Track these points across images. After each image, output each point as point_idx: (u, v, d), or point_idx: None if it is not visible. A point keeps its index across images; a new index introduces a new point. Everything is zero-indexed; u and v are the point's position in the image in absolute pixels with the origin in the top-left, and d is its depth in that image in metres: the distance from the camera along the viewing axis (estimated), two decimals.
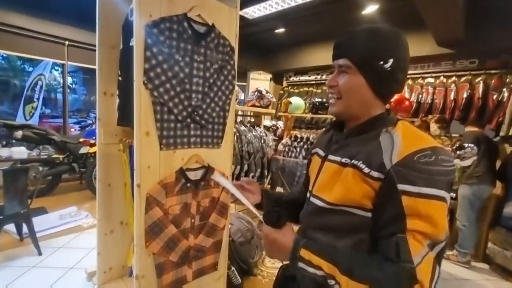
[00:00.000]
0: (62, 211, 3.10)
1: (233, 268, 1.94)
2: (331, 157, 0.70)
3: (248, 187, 0.89)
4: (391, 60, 0.62)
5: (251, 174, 3.19)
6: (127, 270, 1.89)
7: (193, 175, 1.46)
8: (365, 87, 0.64)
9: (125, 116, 1.56)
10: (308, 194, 0.76)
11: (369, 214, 0.60)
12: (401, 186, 0.55)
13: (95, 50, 1.65)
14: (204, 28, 1.40)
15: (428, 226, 0.53)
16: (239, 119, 3.33)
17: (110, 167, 1.75)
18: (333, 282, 0.56)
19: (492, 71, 3.58)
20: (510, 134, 2.61)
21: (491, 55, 3.56)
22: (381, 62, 0.62)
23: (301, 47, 5.76)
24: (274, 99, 3.42)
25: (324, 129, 0.90)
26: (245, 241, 2.21)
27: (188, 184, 1.43)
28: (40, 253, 2.28)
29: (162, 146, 1.30)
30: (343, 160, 0.65)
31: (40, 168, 3.25)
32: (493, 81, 3.53)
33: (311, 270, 0.58)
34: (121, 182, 1.78)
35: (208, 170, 1.51)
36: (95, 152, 3.74)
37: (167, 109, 1.29)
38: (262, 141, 3.31)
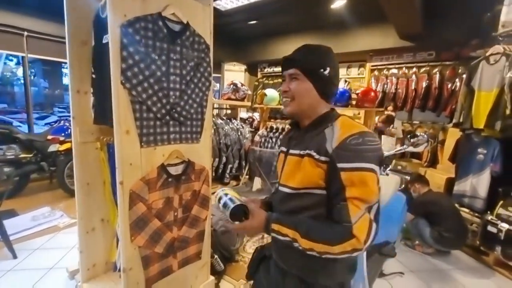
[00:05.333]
0: (34, 212, 2.99)
1: (216, 256, 2.04)
2: (291, 151, 0.86)
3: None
4: (328, 68, 0.81)
5: (230, 166, 3.27)
6: (111, 265, 1.91)
7: (174, 170, 1.51)
8: (312, 90, 0.82)
9: (101, 115, 1.56)
10: (277, 185, 0.91)
11: (324, 192, 0.77)
12: (339, 165, 0.71)
13: (57, 42, 1.60)
14: (179, 26, 1.43)
15: (362, 192, 0.69)
16: (215, 112, 3.37)
17: (88, 165, 1.74)
18: (297, 244, 0.74)
19: (447, 63, 3.93)
20: (461, 120, 2.92)
21: (446, 48, 3.90)
22: (322, 70, 0.81)
23: (274, 39, 5.83)
24: (249, 92, 3.49)
25: (286, 130, 1.05)
26: (227, 230, 2.31)
27: (170, 179, 1.48)
28: (15, 256, 2.21)
29: (142, 143, 1.33)
30: (301, 152, 0.81)
31: (5, 169, 3.08)
32: (447, 72, 3.88)
33: (280, 237, 0.77)
34: (99, 180, 1.78)
35: (189, 164, 1.57)
36: (65, 150, 3.61)
37: (146, 108, 1.32)
38: (239, 133, 3.39)
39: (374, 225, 0.70)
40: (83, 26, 1.59)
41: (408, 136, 1.54)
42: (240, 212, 0.82)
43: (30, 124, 4.27)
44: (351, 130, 0.74)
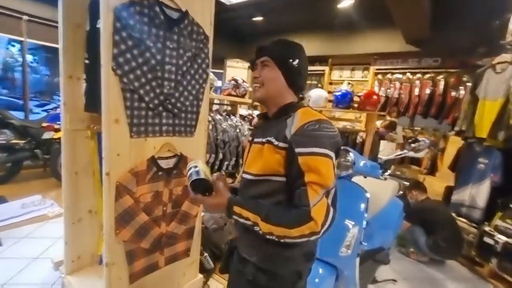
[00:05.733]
0: (24, 200, 2.93)
1: (205, 254, 1.99)
2: (255, 139, 0.89)
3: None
4: (297, 60, 0.86)
5: (226, 163, 3.22)
6: (97, 258, 1.86)
7: (165, 164, 1.45)
8: (281, 78, 0.86)
9: (93, 102, 1.50)
10: (241, 172, 0.95)
11: (284, 179, 0.79)
12: (297, 150, 0.74)
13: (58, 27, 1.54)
14: (177, 14, 1.37)
15: (318, 177, 0.72)
16: (215, 107, 3.30)
17: (77, 154, 1.68)
18: (257, 228, 0.75)
19: (452, 70, 3.87)
20: (463, 128, 2.87)
21: (451, 55, 3.84)
22: (291, 60, 0.85)
23: (278, 37, 5.75)
24: (250, 88, 3.43)
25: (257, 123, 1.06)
26: (218, 228, 2.26)
27: (160, 173, 1.43)
28: (0, 244, 2.16)
29: (132, 134, 1.28)
30: (263, 140, 0.83)
31: None
32: (452, 80, 3.82)
33: (242, 220, 0.78)
34: (88, 169, 1.73)
35: (181, 158, 1.52)
36: (60, 138, 3.54)
37: (137, 97, 1.26)
38: (238, 130, 3.32)
39: (331, 210, 0.72)
40: (78, 8, 1.53)
41: (409, 140, 1.48)
42: (202, 186, 0.83)
43: (26, 111, 4.21)
44: (309, 117, 0.78)
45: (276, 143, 0.78)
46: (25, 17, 3.74)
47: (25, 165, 3.60)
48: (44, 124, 3.55)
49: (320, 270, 1.42)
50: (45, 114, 4.10)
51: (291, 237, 0.71)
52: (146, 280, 1.47)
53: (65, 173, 1.66)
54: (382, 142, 3.77)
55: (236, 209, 0.79)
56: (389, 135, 3.70)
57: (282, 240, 0.73)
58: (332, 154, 0.74)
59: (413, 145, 1.43)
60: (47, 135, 3.52)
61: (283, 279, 0.85)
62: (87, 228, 1.80)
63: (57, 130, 3.54)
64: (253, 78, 0.89)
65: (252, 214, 0.76)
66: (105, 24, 1.12)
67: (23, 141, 3.36)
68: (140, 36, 1.22)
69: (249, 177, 0.86)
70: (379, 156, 3.74)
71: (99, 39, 1.16)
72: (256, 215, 0.75)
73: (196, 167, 0.84)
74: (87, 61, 1.54)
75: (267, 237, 0.74)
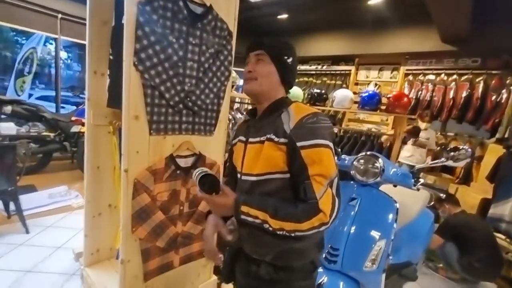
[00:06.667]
0: (52, 190, 3.06)
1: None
2: (251, 139, 0.89)
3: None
4: (291, 58, 0.89)
5: None
6: (115, 252, 1.88)
7: (184, 162, 1.42)
8: (275, 73, 0.87)
9: (115, 98, 1.50)
10: (239, 176, 0.93)
11: (287, 176, 0.79)
12: (299, 143, 0.75)
13: None
14: (201, 8, 1.33)
15: (322, 167, 0.74)
16: (236, 106, 3.26)
17: (99, 149, 1.71)
18: (267, 225, 0.75)
19: (493, 71, 3.55)
20: (506, 136, 2.61)
21: (493, 55, 3.52)
22: (285, 57, 0.88)
23: (303, 35, 5.62)
24: None
25: (243, 119, 1.07)
26: (235, 229, 2.21)
27: (178, 171, 1.40)
28: (27, 231, 2.26)
29: (151, 131, 1.25)
30: (261, 138, 0.83)
31: (30, 145, 3.19)
32: (493, 82, 3.50)
33: (250, 219, 0.77)
34: (110, 164, 1.75)
35: (199, 158, 1.48)
36: None
37: (158, 93, 1.23)
38: None
39: (336, 199, 0.74)
40: (105, 5, 1.54)
41: (448, 148, 1.34)
42: (208, 185, 0.81)
43: (58, 104, 4.42)
44: (305, 111, 0.80)
45: (276, 139, 0.79)
46: (60, 15, 3.92)
47: (54, 156, 3.78)
48: (73, 118, 3.71)
49: (341, 284, 1.32)
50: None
51: (302, 230, 0.72)
52: (160, 279, 1.45)
53: (87, 167, 1.69)
54: (411, 148, 3.54)
55: (244, 208, 0.78)
56: (419, 140, 3.47)
57: (293, 234, 0.73)
58: (331, 144, 0.78)
59: (452, 153, 1.29)
60: (75, 129, 3.67)
61: (300, 271, 0.86)
62: (107, 222, 1.82)
63: (84, 124, 3.68)
64: (247, 72, 0.89)
65: (261, 212, 0.76)
66: (128, 18, 1.10)
67: (54, 134, 3.53)
68: (163, 32, 1.20)
69: (252, 178, 0.85)
70: (403, 161, 3.52)
71: (123, 35, 1.14)
72: (264, 213, 0.75)
73: (203, 168, 0.84)
74: (111, 57, 1.54)
75: (278, 233, 0.74)
